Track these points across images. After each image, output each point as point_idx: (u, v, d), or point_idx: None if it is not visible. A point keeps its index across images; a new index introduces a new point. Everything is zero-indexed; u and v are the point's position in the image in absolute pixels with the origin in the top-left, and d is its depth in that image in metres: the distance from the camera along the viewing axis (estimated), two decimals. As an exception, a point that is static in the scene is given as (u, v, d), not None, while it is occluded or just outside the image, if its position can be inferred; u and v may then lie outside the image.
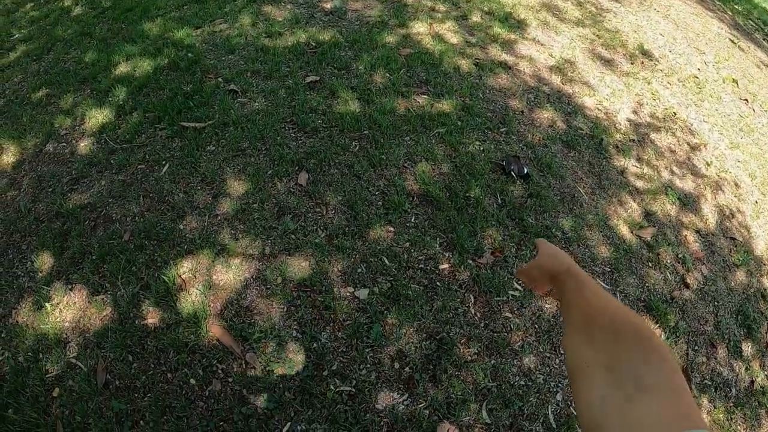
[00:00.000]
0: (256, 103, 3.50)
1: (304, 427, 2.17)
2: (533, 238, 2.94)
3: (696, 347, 2.90)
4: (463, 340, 2.49)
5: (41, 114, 3.57)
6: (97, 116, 3.44)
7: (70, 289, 2.51)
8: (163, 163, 3.08)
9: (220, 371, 2.29)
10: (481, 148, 3.38)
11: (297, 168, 3.08)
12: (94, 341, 2.34)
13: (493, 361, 2.45)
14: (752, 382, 2.93)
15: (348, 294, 2.57)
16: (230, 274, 2.59)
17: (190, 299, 2.46)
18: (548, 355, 2.55)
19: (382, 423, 2.21)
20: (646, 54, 5.32)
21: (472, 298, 2.63)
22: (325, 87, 3.65)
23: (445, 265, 2.70)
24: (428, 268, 2.67)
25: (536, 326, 2.61)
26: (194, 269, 2.59)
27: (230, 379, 2.26)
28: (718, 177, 4.12)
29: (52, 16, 4.91)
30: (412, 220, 2.85)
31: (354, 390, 2.29)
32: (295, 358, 2.35)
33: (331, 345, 2.42)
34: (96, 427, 2.10)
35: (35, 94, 3.75)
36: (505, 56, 4.38)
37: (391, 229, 2.79)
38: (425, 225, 2.84)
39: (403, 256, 2.69)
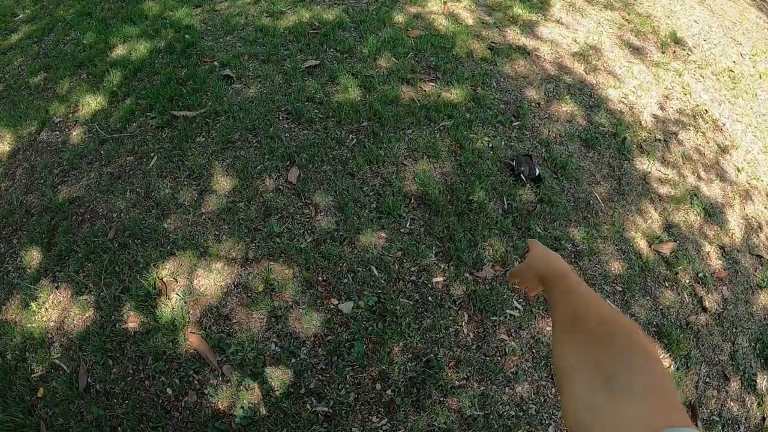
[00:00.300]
0: (251, 90, 3.26)
1: (275, 449, 2.01)
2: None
3: (708, 379, 2.65)
4: (451, 363, 2.28)
5: (38, 100, 3.45)
6: (91, 103, 3.30)
7: (56, 288, 2.45)
8: (152, 155, 2.94)
9: (196, 382, 2.18)
10: (490, 145, 3.09)
11: (288, 163, 2.85)
12: (77, 343, 2.28)
13: (482, 388, 2.24)
14: (764, 418, 2.68)
15: (332, 306, 2.37)
16: (211, 279, 2.44)
17: (170, 305, 2.35)
18: (544, 383, 2.32)
19: (356, 450, 2.03)
20: (678, 42, 4.90)
21: (465, 316, 2.40)
22: (324, 72, 3.37)
23: (439, 278, 2.46)
24: (420, 280, 2.44)
25: (534, 351, 2.38)
26: (176, 272, 2.46)
27: (206, 391, 2.16)
28: (749, 185, 3.78)
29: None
30: (407, 225, 2.61)
31: (330, 411, 2.13)
32: (272, 373, 2.20)
33: (310, 361, 2.26)
34: (76, 430, 2.06)
35: (33, 79, 3.62)
36: (524, 40, 4.02)
37: (384, 235, 2.55)
38: (421, 232, 2.59)
39: (394, 267, 2.45)
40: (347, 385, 2.19)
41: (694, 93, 4.31)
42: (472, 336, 2.36)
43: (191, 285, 2.42)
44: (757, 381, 2.77)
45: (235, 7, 4.04)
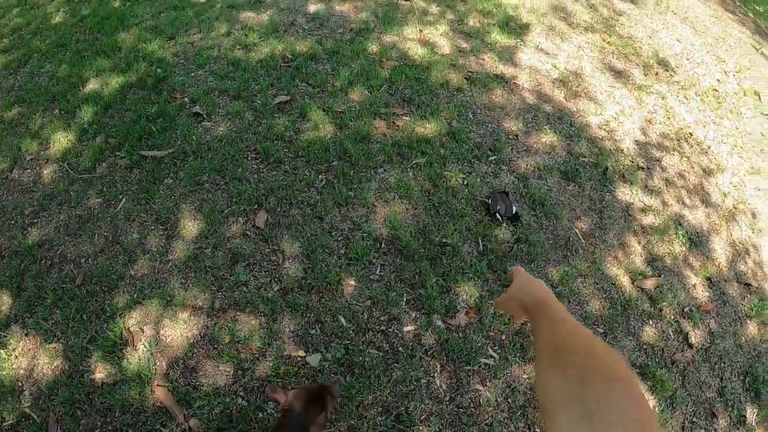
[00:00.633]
0: (220, 128, 3.23)
1: None
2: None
3: (695, 418, 2.57)
4: (423, 417, 2.20)
5: (11, 136, 3.45)
6: (62, 140, 3.29)
7: (26, 335, 2.41)
8: (120, 197, 2.92)
9: (164, 437, 2.13)
10: (465, 183, 3.04)
11: (256, 206, 2.80)
12: (46, 392, 2.24)
13: (457, 443, 2.16)
14: None
15: (299, 359, 2.30)
16: (178, 329, 2.40)
17: (137, 355, 2.31)
18: (522, 435, 2.24)
19: None
20: (661, 63, 4.89)
21: (438, 366, 2.33)
22: (295, 108, 3.34)
23: (410, 327, 2.39)
24: (390, 330, 2.37)
25: (509, 400, 2.31)
26: (142, 321, 2.43)
27: (173, 447, 2.10)
28: (735, 209, 3.73)
29: (34, 24, 4.70)
30: (377, 272, 2.54)
31: (297, 472, 2.03)
32: (239, 429, 2.13)
33: (277, 416, 2.17)
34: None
35: (8, 113, 3.63)
36: (502, 68, 4.00)
37: (352, 283, 2.49)
38: (391, 278, 2.53)
39: (363, 316, 2.39)
40: (314, 444, 2.10)
41: (678, 115, 4.29)
42: (444, 387, 2.29)
43: (158, 335, 2.38)
44: (747, 415, 2.70)
45: (208, 39, 4.02)
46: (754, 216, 3.78)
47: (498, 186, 3.08)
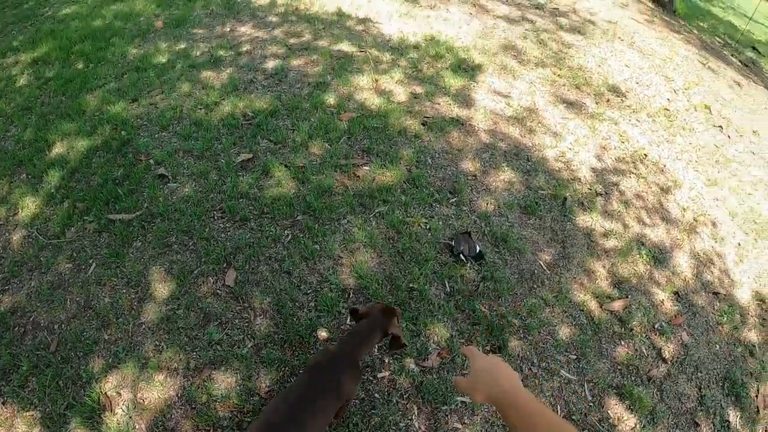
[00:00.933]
0: (186, 189, 3.36)
1: None
2: (484, 331, 2.75)
3: (678, 430, 2.68)
4: (405, 462, 2.27)
5: None
6: (30, 206, 3.37)
7: (2, 403, 2.42)
8: (90, 262, 2.99)
9: None
10: (428, 227, 3.20)
11: (225, 265, 2.91)
12: None
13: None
14: None
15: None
16: (155, 391, 2.45)
17: (116, 420, 2.35)
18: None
19: None
20: (612, 89, 5.22)
21: (415, 409, 2.42)
22: (258, 166, 3.50)
23: (385, 373, 2.49)
24: (365, 377, 2.47)
25: (489, 437, 2.40)
26: (119, 385, 2.47)
27: None
28: (695, 221, 3.96)
29: (-1, 86, 4.84)
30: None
31: None
32: None
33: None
34: None
35: None
36: (457, 110, 4.24)
37: (324, 334, 2.59)
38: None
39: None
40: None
41: (632, 139, 4.56)
42: (423, 429, 2.37)
43: (135, 398, 2.43)
44: (730, 419, 2.83)
45: (170, 99, 4.19)
46: (714, 225, 4.01)
47: (460, 227, 3.24)
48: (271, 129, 3.80)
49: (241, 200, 3.27)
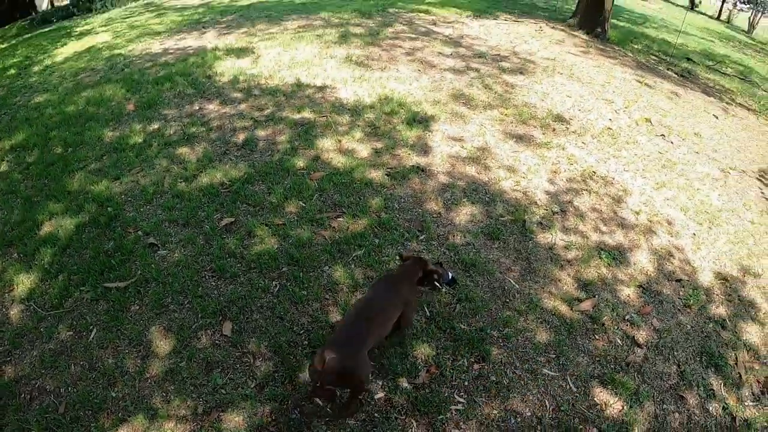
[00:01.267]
0: (176, 254, 3.71)
1: None
2: (466, 345, 3.09)
3: (664, 405, 3.00)
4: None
5: None
6: (25, 281, 3.62)
7: None
8: (91, 328, 3.24)
9: None
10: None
11: (220, 318, 3.24)
12: None
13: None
14: (734, 418, 3.03)
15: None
16: None
17: None
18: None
19: None
20: (557, 119, 5.83)
21: (413, 422, 2.72)
22: (240, 228, 3.92)
23: (381, 395, 2.80)
24: (363, 399, 2.77)
25: (485, 438, 2.70)
26: None
27: None
28: (650, 221, 4.43)
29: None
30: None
31: None
32: None
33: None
34: None
35: None
36: (416, 158, 4.76)
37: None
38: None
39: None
40: None
41: (580, 160, 5.10)
42: (424, 439, 2.67)
43: None
44: (714, 388, 3.17)
45: (151, 176, 4.60)
46: (669, 223, 4.50)
47: (432, 259, 3.64)
48: (249, 194, 4.24)
49: (229, 259, 3.63)
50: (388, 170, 4.56)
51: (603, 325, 3.40)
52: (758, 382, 3.28)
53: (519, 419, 2.80)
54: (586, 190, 4.66)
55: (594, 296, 3.59)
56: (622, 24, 13.50)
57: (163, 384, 2.90)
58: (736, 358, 3.40)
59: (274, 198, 4.19)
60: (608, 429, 2.80)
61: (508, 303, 3.42)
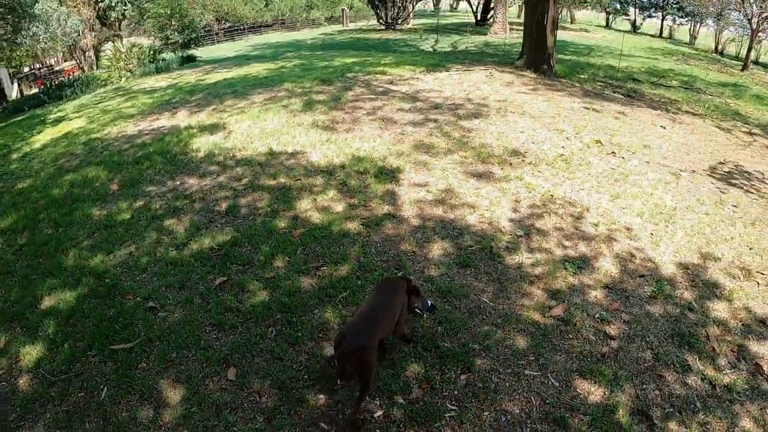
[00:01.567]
0: (176, 314, 4.08)
1: None
2: (452, 359, 3.48)
3: (644, 386, 3.36)
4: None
5: None
6: (32, 352, 3.87)
7: None
8: (102, 387, 3.51)
9: None
10: (384, 297, 4.05)
11: (224, 365, 3.58)
12: None
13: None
14: (713, 386, 3.38)
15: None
16: None
17: None
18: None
19: None
20: (513, 154, 6.46)
21: (412, 432, 3.08)
22: (234, 285, 4.33)
23: (379, 412, 3.16)
24: (364, 418, 3.13)
25: (479, 436, 3.07)
26: None
27: None
28: (609, 230, 4.96)
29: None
30: (338, 382, 3.35)
31: None
32: None
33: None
34: None
35: None
36: (387, 207, 5.30)
37: (322, 397, 3.27)
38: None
39: (338, 417, 3.14)
40: None
41: (537, 186, 5.68)
42: (423, 447, 3.03)
43: None
44: (690, 363, 3.54)
45: (143, 247, 5.01)
46: (628, 229, 5.04)
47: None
48: (238, 255, 4.69)
49: (226, 313, 4.02)
50: (363, 220, 5.08)
51: (575, 325, 3.81)
52: (732, 351, 3.66)
53: (509, 417, 3.15)
54: (547, 212, 5.20)
55: (564, 302, 4.03)
56: (568, 57, 14.61)
57: (177, 429, 3.19)
58: (707, 334, 3.79)
59: (261, 256, 4.63)
60: (594, 413, 3.15)
61: (485, 319, 3.85)
